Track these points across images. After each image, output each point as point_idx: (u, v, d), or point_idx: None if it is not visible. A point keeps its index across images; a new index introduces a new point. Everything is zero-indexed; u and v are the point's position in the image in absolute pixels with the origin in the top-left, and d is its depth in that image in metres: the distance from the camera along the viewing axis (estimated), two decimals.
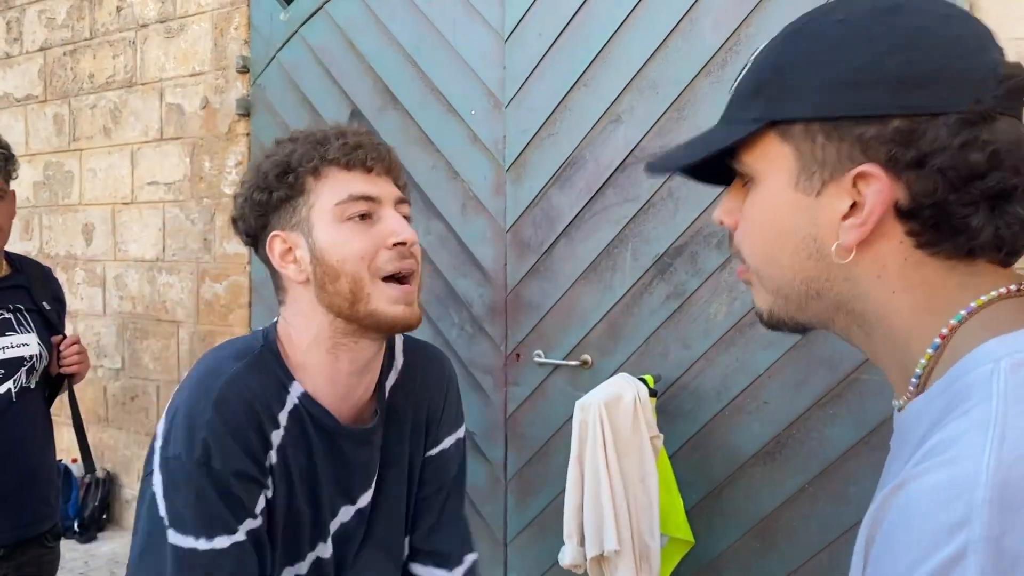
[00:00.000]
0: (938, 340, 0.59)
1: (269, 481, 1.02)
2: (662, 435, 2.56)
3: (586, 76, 2.86)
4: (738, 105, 0.66)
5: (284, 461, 1.03)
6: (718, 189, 2.40)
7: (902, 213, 0.58)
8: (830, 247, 0.60)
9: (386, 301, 1.02)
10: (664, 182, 2.71)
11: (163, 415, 1.03)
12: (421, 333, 3.18)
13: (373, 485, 1.14)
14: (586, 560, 2.42)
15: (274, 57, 3.67)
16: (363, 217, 1.02)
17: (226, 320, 3.89)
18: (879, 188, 0.58)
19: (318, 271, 1.02)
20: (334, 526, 1.11)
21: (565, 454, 2.60)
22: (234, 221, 1.10)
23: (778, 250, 0.64)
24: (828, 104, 0.59)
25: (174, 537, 0.96)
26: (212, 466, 0.96)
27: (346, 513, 1.12)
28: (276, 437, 1.03)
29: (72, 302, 3.88)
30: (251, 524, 0.99)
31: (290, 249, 1.04)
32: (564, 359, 2.93)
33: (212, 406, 0.99)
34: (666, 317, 2.74)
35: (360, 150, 1.03)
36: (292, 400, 1.05)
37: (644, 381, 2.59)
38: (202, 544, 0.95)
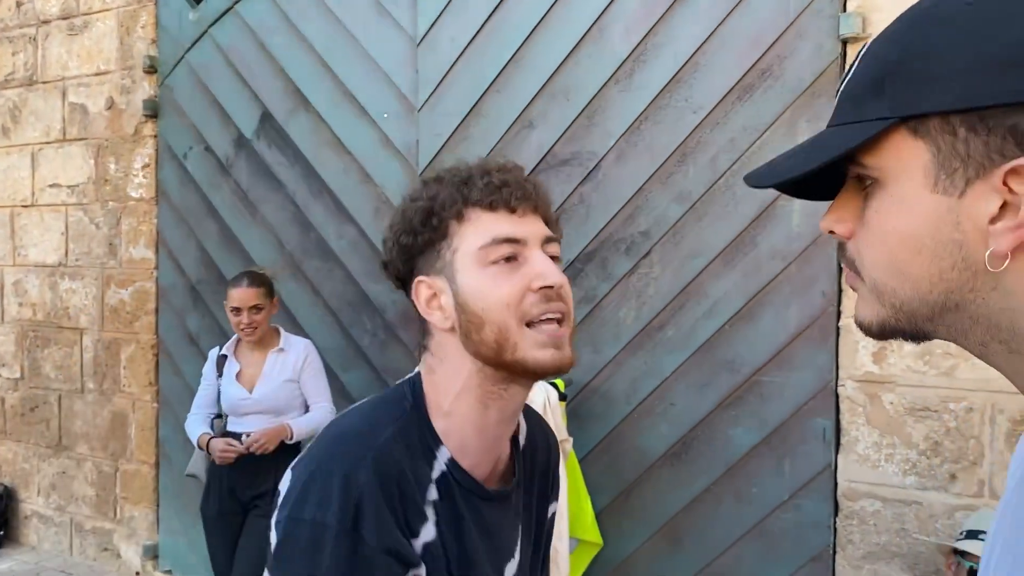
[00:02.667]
0: None
1: (423, 570, 0.93)
2: (571, 439, 2.58)
3: (499, 81, 2.88)
4: (853, 104, 0.58)
5: (441, 539, 0.95)
6: (625, 198, 2.42)
7: None
8: (978, 254, 0.53)
9: (534, 346, 0.94)
10: (575, 188, 2.74)
11: (289, 473, 0.94)
12: (332, 340, 3.14)
13: (517, 555, 1.06)
14: None
15: (183, 57, 3.57)
16: (508, 259, 0.95)
17: (132, 327, 3.77)
18: None
19: (463, 319, 0.96)
20: None
21: None
22: (384, 265, 1.05)
23: (910, 260, 0.56)
24: (972, 92, 0.51)
25: None
26: (362, 535, 0.88)
27: None
28: (431, 510, 0.95)
29: None
30: None
31: (435, 295, 0.98)
32: None
33: (371, 469, 0.90)
34: (577, 322, 2.76)
35: (505, 189, 0.97)
36: (440, 467, 0.97)
37: (555, 386, 2.60)
38: None
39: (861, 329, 0.62)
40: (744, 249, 2.50)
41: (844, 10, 2.34)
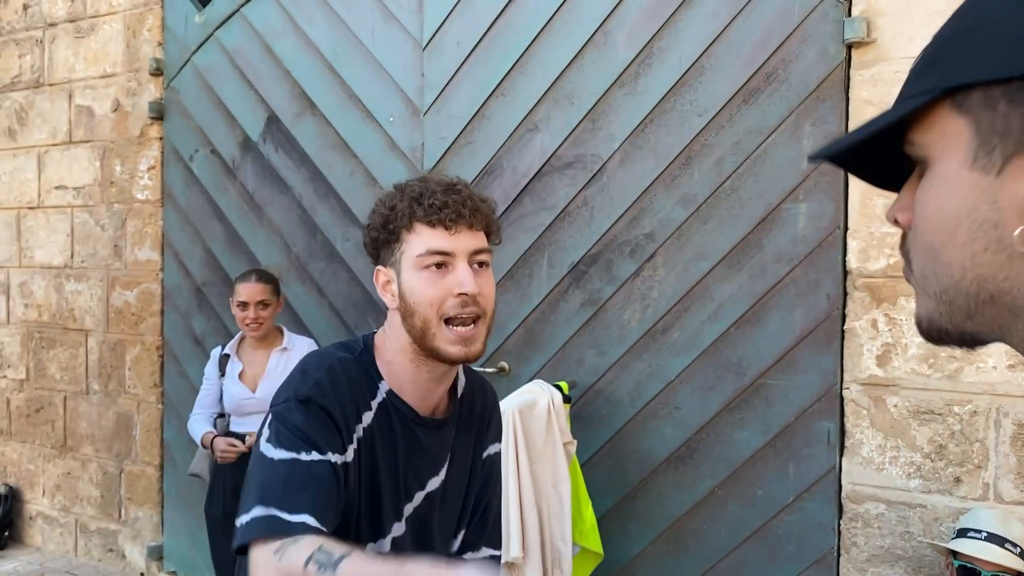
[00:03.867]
0: None
1: (351, 450, 1.21)
2: (575, 441, 2.58)
3: (504, 85, 2.89)
4: (910, 82, 0.56)
5: (370, 441, 1.24)
6: (629, 201, 2.43)
7: None
8: (1013, 235, 0.49)
9: (446, 341, 1.21)
10: (580, 191, 2.75)
11: (270, 404, 1.24)
12: (339, 338, 3.14)
13: (442, 474, 1.34)
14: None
15: (189, 60, 3.59)
16: (439, 266, 1.21)
17: (137, 329, 3.78)
18: None
19: (402, 305, 1.24)
20: (407, 509, 1.30)
21: None
22: (365, 246, 1.33)
23: (947, 242, 0.53)
24: (1013, 61, 0.48)
25: (278, 453, 1.16)
26: (312, 400, 1.18)
27: (418, 498, 1.32)
28: (366, 417, 1.24)
29: None
30: (333, 457, 1.17)
31: (388, 281, 1.27)
32: (482, 366, 2.94)
33: (324, 369, 1.22)
34: (581, 324, 2.77)
35: (444, 211, 1.21)
36: (381, 394, 1.27)
37: (559, 388, 2.61)
38: (303, 456, 1.16)
39: (919, 330, 0.59)
40: (749, 252, 2.51)
41: (849, 14, 2.35)
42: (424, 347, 1.23)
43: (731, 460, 2.56)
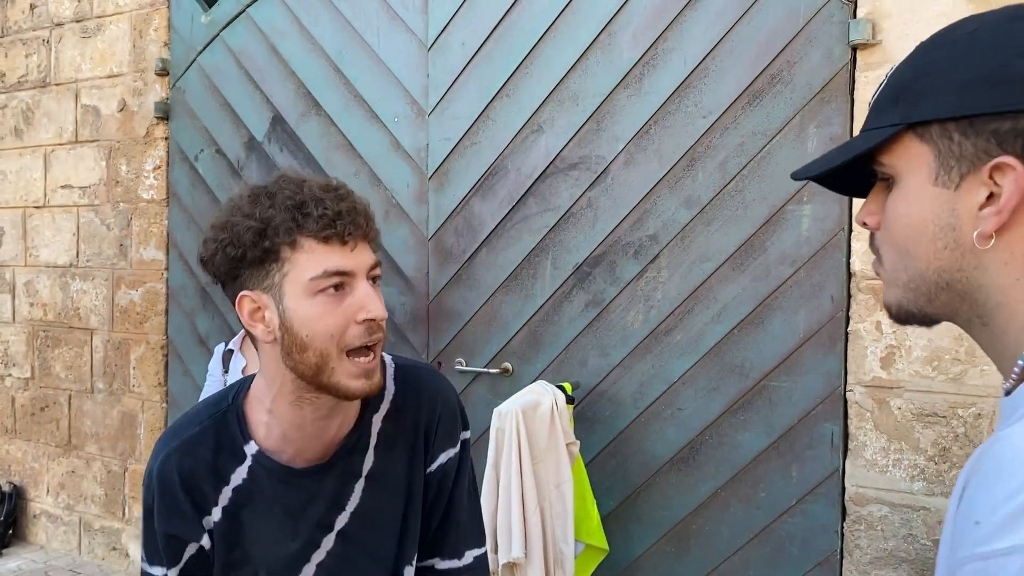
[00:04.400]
0: None
1: (205, 538, 1.16)
2: (579, 442, 2.59)
3: (508, 86, 2.89)
4: (876, 115, 0.71)
5: (236, 516, 1.15)
6: (633, 202, 2.45)
7: None
8: (968, 236, 0.65)
9: (348, 376, 1.04)
10: (584, 192, 2.75)
11: None
12: None
13: (349, 506, 1.19)
14: (499, 567, 2.42)
15: (194, 60, 3.60)
16: (337, 288, 1.02)
17: (142, 328, 3.79)
18: (1015, 177, 0.62)
19: (286, 339, 1.04)
20: (317, 556, 1.19)
21: (484, 462, 2.60)
22: (203, 262, 1.09)
23: (915, 242, 0.68)
24: (964, 103, 0.64)
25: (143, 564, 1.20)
26: (153, 517, 1.15)
27: (328, 542, 1.19)
28: (223, 496, 1.14)
29: None
30: (175, 571, 1.17)
31: (259, 308, 1.05)
32: (485, 367, 2.94)
33: (172, 461, 1.14)
34: (585, 325, 2.77)
35: (339, 222, 1.01)
36: (248, 459, 1.14)
37: (562, 388, 2.61)
38: (156, 570, 1.18)
39: (888, 313, 0.74)
40: (753, 254, 2.51)
41: (854, 16, 2.34)
42: (318, 385, 1.05)
43: (734, 462, 2.55)
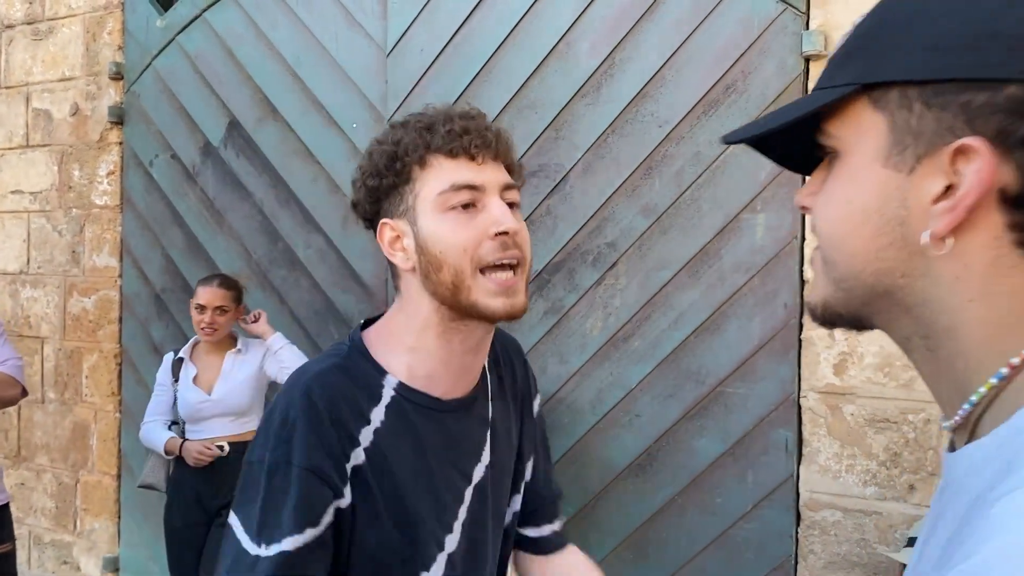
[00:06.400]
0: (1006, 370, 0.50)
1: (347, 492, 0.99)
2: None
3: (467, 93, 2.89)
4: (828, 72, 0.57)
5: (381, 459, 1.01)
6: (591, 210, 2.44)
7: (1008, 201, 0.48)
8: (917, 234, 0.51)
9: (485, 294, 0.99)
10: (543, 200, 2.75)
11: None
12: (299, 349, 3.10)
13: (485, 457, 1.12)
14: None
15: (150, 64, 3.54)
16: (466, 207, 1.00)
17: (95, 336, 3.71)
18: (980, 167, 0.48)
19: (422, 260, 1.01)
20: (462, 513, 1.08)
21: None
22: (354, 205, 1.10)
23: (853, 233, 0.54)
24: (930, 64, 0.50)
25: (244, 541, 0.96)
26: (291, 460, 0.96)
27: (468, 496, 1.09)
28: (366, 435, 1.01)
29: None
30: (309, 535, 0.96)
31: (398, 237, 1.04)
32: None
33: (306, 396, 0.99)
34: (544, 333, 2.78)
35: (465, 137, 1.00)
36: (387, 394, 1.04)
37: None
38: (263, 551, 0.95)
39: (811, 314, 0.61)
40: (708, 261, 2.53)
41: (807, 28, 2.38)
42: (459, 307, 1.00)
43: (691, 468, 2.57)
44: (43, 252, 3.85)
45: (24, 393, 2.61)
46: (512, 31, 2.81)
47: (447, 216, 1.00)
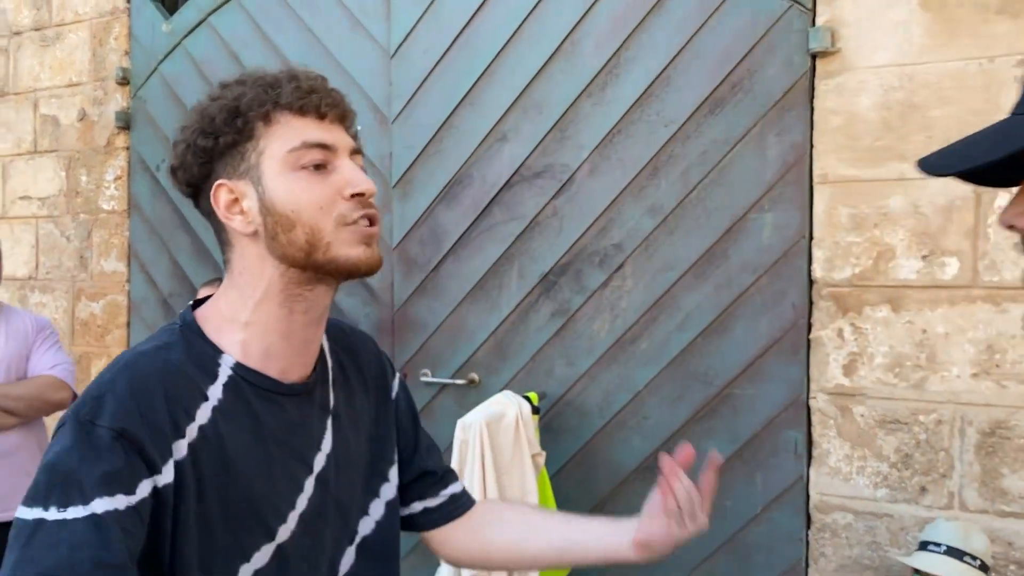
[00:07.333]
0: None
1: (168, 470, 0.90)
2: (544, 453, 2.57)
3: (472, 94, 2.87)
4: None
5: (218, 439, 0.94)
6: (598, 211, 2.42)
7: None
8: None
9: (347, 244, 0.95)
10: (549, 200, 2.73)
11: None
12: None
13: (326, 447, 1.06)
14: None
15: (156, 69, 3.55)
16: (317, 167, 0.96)
17: (103, 341, 3.72)
18: None
19: (269, 221, 0.96)
20: (301, 502, 1.02)
21: None
22: (173, 170, 1.02)
23: None
24: None
25: (21, 511, 0.84)
26: (96, 423, 0.87)
27: (309, 486, 1.03)
28: (203, 412, 0.95)
29: None
30: (120, 502, 0.85)
31: (236, 200, 0.98)
32: (451, 378, 2.92)
33: (120, 370, 0.92)
34: (551, 335, 2.76)
35: (314, 95, 0.96)
36: (225, 372, 0.98)
37: (528, 399, 2.59)
38: (51, 515, 0.82)
39: None
40: (715, 262, 2.51)
41: (813, 24, 2.35)
42: (314, 263, 0.96)
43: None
44: (51, 257, 3.86)
45: (74, 397, 2.58)
46: (516, 31, 2.79)
47: (299, 175, 0.95)
